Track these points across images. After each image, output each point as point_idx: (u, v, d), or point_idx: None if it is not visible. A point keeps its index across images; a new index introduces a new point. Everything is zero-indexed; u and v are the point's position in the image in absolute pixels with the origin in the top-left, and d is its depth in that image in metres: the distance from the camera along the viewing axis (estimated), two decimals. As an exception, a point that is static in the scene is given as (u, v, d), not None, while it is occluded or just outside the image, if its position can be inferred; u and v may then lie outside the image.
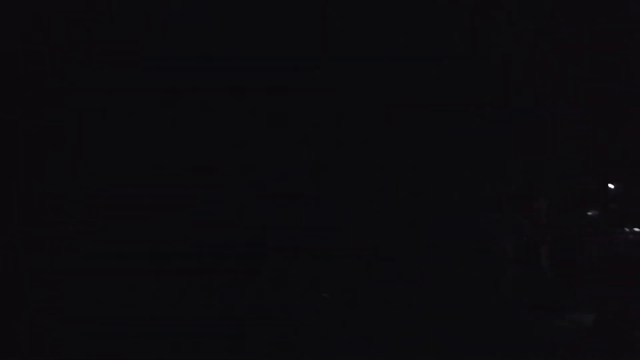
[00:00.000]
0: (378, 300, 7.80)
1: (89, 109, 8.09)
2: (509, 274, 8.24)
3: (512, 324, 7.76)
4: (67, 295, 7.63)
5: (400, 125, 8.26)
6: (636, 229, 8.44)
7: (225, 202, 8.01)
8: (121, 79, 8.05)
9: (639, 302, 7.79)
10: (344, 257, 7.95)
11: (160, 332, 7.29)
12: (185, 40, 8.04)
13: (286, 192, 8.01)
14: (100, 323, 7.39)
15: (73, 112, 8.08)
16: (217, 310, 7.55)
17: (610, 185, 8.66)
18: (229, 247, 7.87)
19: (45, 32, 8.01)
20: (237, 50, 8.03)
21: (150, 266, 7.77)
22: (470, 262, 8.15)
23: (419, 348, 7.07)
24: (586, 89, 8.30)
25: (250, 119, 8.06)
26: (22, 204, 8.01)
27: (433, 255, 8.06)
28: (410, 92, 8.17)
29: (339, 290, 7.85)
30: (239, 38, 8.07)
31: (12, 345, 6.93)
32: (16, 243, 7.86)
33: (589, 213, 8.60)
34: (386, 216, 8.17)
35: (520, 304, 8.06)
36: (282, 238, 7.95)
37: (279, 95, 8.04)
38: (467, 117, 8.32)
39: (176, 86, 8.00)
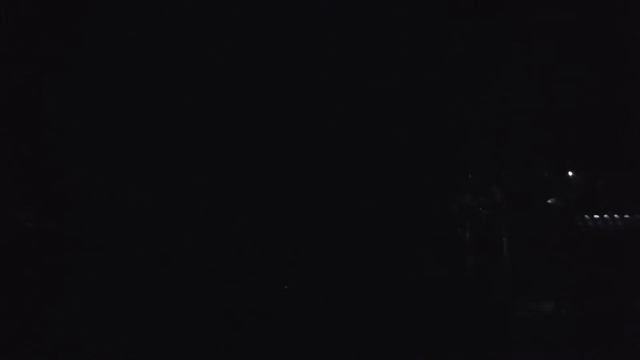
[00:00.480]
0: (373, 299, 7.86)
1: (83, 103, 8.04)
2: (470, 265, 8.21)
3: (482, 317, 7.81)
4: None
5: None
6: (596, 216, 8.44)
7: (222, 200, 8.01)
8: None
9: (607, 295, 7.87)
10: (341, 256, 8.00)
11: (158, 332, 7.36)
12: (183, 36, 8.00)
13: (285, 190, 8.02)
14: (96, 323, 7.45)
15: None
16: (215, 310, 7.60)
17: (570, 173, 8.62)
18: (226, 246, 7.89)
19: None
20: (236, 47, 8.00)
21: (147, 265, 7.78)
22: (435, 253, 8.16)
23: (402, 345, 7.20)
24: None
25: (249, 118, 8.04)
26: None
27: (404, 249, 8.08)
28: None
29: (334, 289, 7.90)
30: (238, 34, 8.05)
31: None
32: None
33: (549, 201, 8.56)
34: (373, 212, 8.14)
35: (487, 296, 8.05)
36: (280, 236, 7.97)
37: (278, 94, 8.02)
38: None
39: (174, 83, 7.96)
